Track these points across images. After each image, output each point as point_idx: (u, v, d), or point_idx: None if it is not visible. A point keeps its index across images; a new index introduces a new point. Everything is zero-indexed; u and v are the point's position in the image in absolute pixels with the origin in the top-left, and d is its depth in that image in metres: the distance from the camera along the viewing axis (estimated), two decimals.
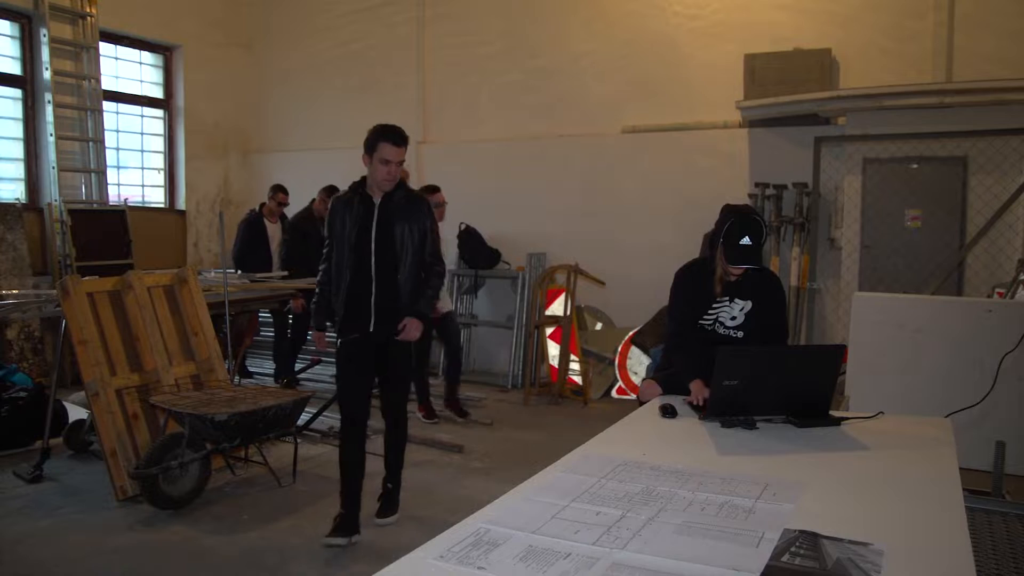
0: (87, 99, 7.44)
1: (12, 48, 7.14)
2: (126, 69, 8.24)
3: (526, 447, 5.17)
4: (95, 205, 7.50)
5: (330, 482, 3.58)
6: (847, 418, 2.44)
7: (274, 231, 6.96)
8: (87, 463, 4.69)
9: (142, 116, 8.42)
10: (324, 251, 3.68)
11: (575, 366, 6.69)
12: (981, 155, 5.51)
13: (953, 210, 5.63)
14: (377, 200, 3.52)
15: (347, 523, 3.50)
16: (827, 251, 6.25)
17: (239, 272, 6.52)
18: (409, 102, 8.08)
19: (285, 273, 6.42)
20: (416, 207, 3.59)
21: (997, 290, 5.12)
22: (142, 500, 3.91)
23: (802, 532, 1.49)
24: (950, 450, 2.13)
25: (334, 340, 3.68)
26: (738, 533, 1.49)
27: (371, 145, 3.43)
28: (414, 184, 6.30)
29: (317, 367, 5.84)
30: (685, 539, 1.47)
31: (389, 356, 3.60)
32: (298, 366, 6.44)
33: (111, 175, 7.78)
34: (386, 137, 3.40)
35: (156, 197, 8.63)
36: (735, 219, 2.79)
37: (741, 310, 2.95)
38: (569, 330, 6.55)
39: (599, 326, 7.18)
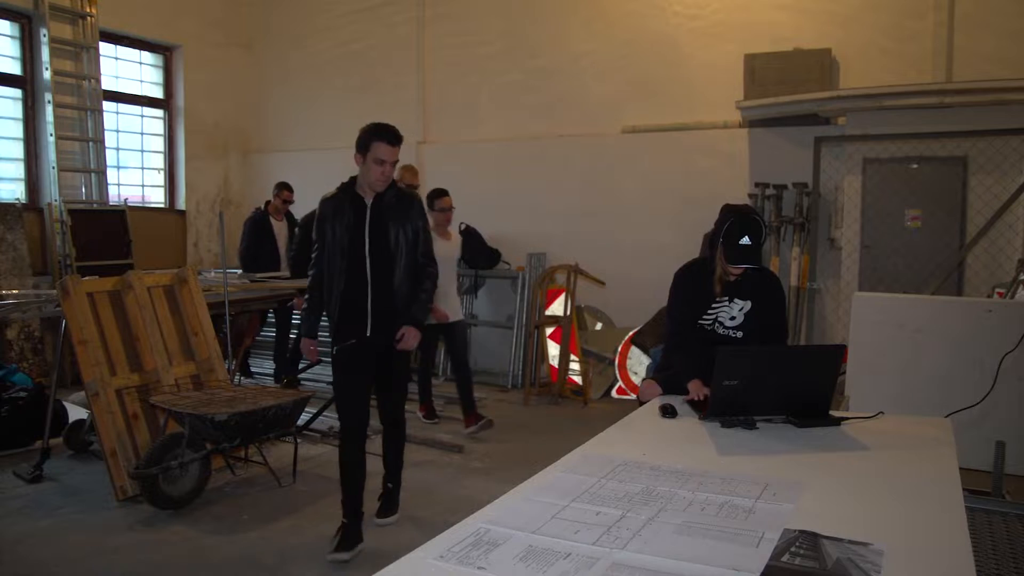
0: (87, 99, 7.44)
1: (12, 48, 7.15)
2: (126, 69, 8.24)
3: (526, 447, 5.17)
4: (95, 205, 7.50)
5: (330, 482, 3.59)
6: (847, 418, 2.44)
7: (280, 229, 6.96)
8: (87, 463, 4.69)
9: (142, 116, 8.42)
10: (312, 255, 3.55)
11: (575, 366, 6.69)
12: (981, 155, 5.51)
13: (953, 210, 5.63)
14: (369, 201, 3.43)
15: (350, 534, 3.43)
16: (827, 251, 6.25)
17: (240, 272, 6.53)
18: (409, 102, 8.08)
19: (288, 274, 6.43)
20: (408, 206, 3.49)
21: (997, 290, 5.12)
22: (142, 500, 3.91)
23: (802, 532, 1.49)
24: (950, 450, 2.13)
25: (325, 348, 3.61)
26: (738, 533, 1.49)
27: (364, 144, 3.33)
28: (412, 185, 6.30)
29: (317, 367, 5.84)
30: (685, 539, 1.47)
31: (388, 362, 3.52)
32: (300, 365, 6.44)
33: (111, 175, 7.79)
34: (381, 136, 3.31)
35: (156, 197, 8.64)
36: (735, 219, 2.79)
37: (741, 310, 2.95)
38: (569, 330, 6.55)
39: (599, 326, 7.18)
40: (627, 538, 1.47)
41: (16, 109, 7.17)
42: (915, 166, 5.74)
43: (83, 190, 7.48)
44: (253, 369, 7.26)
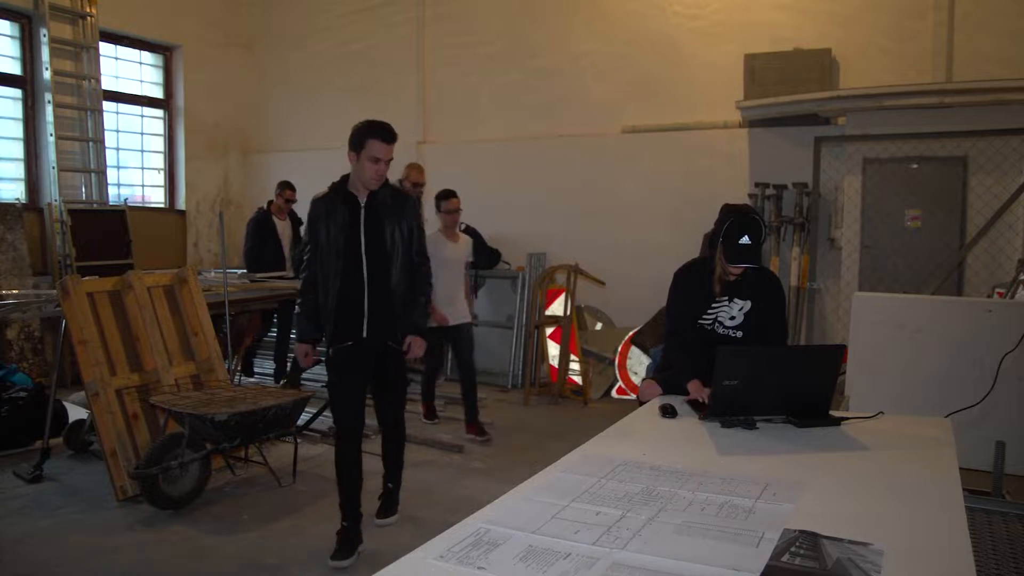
0: (87, 99, 7.44)
1: (12, 48, 7.15)
2: (126, 69, 8.24)
3: (526, 447, 5.17)
4: (95, 205, 7.50)
5: (330, 482, 3.58)
6: (847, 418, 2.44)
7: (283, 228, 6.96)
8: (87, 463, 4.69)
9: (142, 116, 8.42)
10: (305, 257, 3.48)
11: (575, 366, 6.69)
12: (981, 155, 5.51)
13: (953, 210, 5.63)
14: (363, 200, 3.36)
15: (350, 537, 3.40)
16: (827, 251, 6.25)
17: (246, 272, 6.52)
18: (409, 102, 8.08)
19: (292, 274, 6.43)
20: (403, 204, 3.44)
21: (997, 290, 5.12)
22: (142, 500, 3.92)
23: (802, 532, 1.49)
24: (950, 450, 2.13)
25: (319, 352, 3.55)
26: (738, 533, 1.49)
27: (359, 142, 3.26)
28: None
29: (316, 367, 5.83)
30: (685, 539, 1.47)
31: (385, 363, 3.48)
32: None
33: (111, 175, 7.79)
34: (375, 133, 3.24)
35: (156, 197, 8.64)
36: (734, 218, 2.79)
37: (740, 310, 2.95)
38: (569, 330, 6.55)
39: (599, 326, 7.18)
40: (627, 538, 1.47)
41: (16, 109, 7.18)
42: (915, 166, 5.75)
43: (83, 190, 7.48)
44: (256, 369, 7.25)
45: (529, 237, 7.38)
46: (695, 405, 2.64)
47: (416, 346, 3.49)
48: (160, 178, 8.65)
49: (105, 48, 7.76)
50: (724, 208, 2.91)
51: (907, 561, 1.39)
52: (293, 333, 6.65)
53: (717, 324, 2.97)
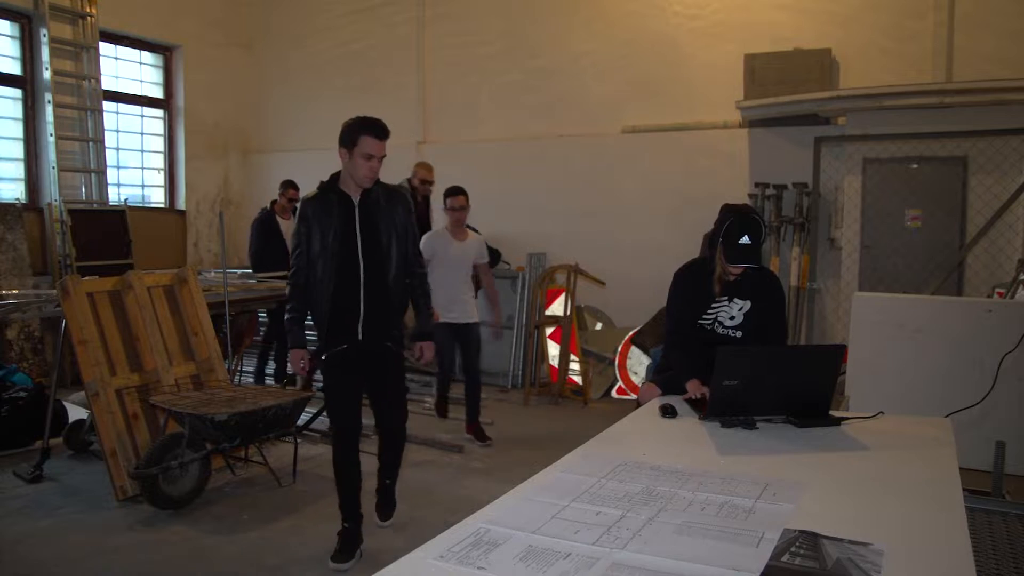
0: (87, 99, 7.44)
1: (12, 48, 7.15)
2: (126, 69, 8.24)
3: (526, 447, 5.17)
4: (95, 205, 7.50)
5: (330, 482, 3.58)
6: (847, 418, 2.44)
7: (287, 227, 6.94)
8: (87, 463, 4.69)
9: (142, 116, 8.42)
10: (292, 257, 3.33)
11: (575, 366, 6.69)
12: (981, 155, 5.51)
13: (953, 210, 5.63)
14: (356, 199, 3.26)
15: (350, 538, 3.38)
16: (827, 251, 6.26)
17: (251, 272, 6.50)
18: (409, 102, 8.09)
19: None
20: (397, 202, 3.35)
21: (997, 290, 5.13)
22: (142, 500, 3.91)
23: (802, 532, 1.49)
24: (950, 450, 2.13)
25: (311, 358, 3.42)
26: (738, 533, 1.49)
27: (350, 139, 3.16)
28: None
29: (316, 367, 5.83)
30: (685, 539, 1.47)
31: (381, 367, 3.38)
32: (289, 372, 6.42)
33: (111, 175, 7.79)
34: (368, 129, 3.15)
35: (156, 197, 8.64)
36: (734, 218, 2.79)
37: (740, 310, 2.95)
38: (569, 330, 6.55)
39: (599, 326, 7.18)
40: (627, 538, 1.47)
41: (16, 109, 7.18)
42: (915, 166, 5.75)
43: (83, 190, 7.48)
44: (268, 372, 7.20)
45: (529, 237, 7.38)
46: (695, 405, 2.64)
47: (428, 351, 3.49)
48: (160, 178, 8.65)
49: (105, 48, 7.76)
50: (724, 208, 2.92)
51: (907, 561, 1.39)
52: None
53: (717, 324, 2.97)
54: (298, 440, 4.62)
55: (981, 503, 2.31)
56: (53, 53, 7.08)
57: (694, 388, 2.70)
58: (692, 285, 3.00)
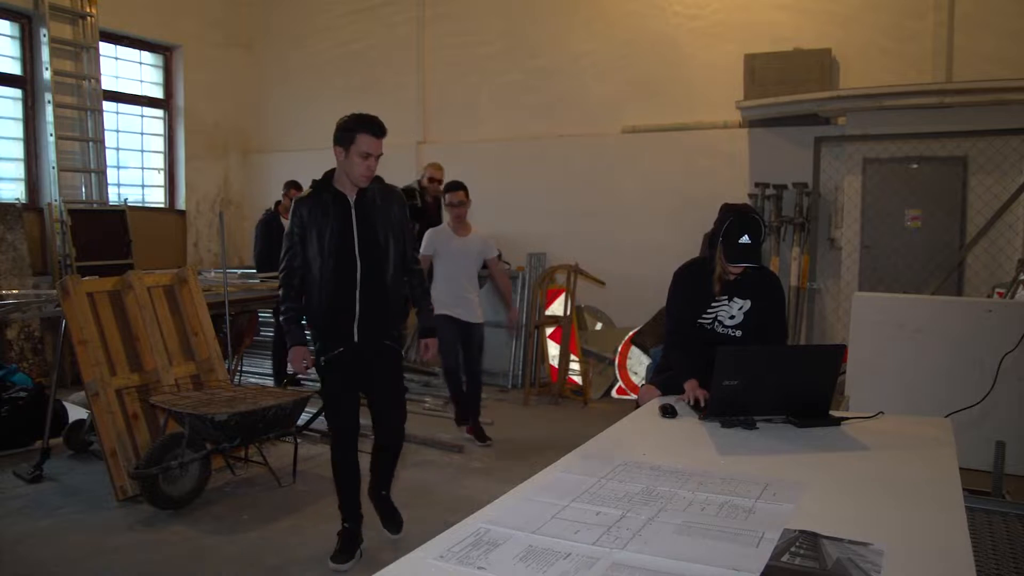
0: (87, 99, 7.44)
1: (12, 48, 7.15)
2: (126, 69, 8.24)
3: (526, 447, 5.17)
4: (95, 205, 7.50)
5: (330, 482, 3.57)
6: (847, 418, 2.44)
7: None
8: (87, 463, 4.69)
9: (142, 116, 8.42)
10: (285, 258, 3.25)
11: (575, 366, 6.69)
12: (981, 155, 5.51)
13: (953, 210, 5.63)
14: (352, 198, 3.19)
15: (350, 538, 3.36)
16: (827, 251, 6.26)
17: (239, 272, 6.51)
18: (409, 102, 8.09)
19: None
20: (392, 200, 3.28)
21: (997, 290, 5.12)
22: (142, 500, 3.91)
23: (802, 532, 1.49)
24: (950, 450, 2.13)
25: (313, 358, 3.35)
26: (738, 533, 1.49)
27: (347, 137, 3.08)
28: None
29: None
30: (685, 539, 1.47)
31: (379, 367, 3.31)
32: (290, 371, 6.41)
33: (111, 175, 7.79)
34: (365, 127, 3.07)
35: (156, 197, 8.64)
36: (734, 218, 2.79)
37: (740, 309, 2.95)
38: (569, 330, 6.55)
39: (599, 326, 7.18)
40: (627, 538, 1.47)
41: (16, 109, 7.18)
42: (915, 166, 5.75)
43: (83, 190, 7.49)
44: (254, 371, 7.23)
45: (529, 237, 7.38)
46: (695, 405, 2.64)
47: (433, 347, 3.46)
48: (160, 178, 8.65)
49: (105, 48, 7.76)
50: (723, 207, 2.92)
51: (907, 561, 1.39)
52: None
53: (717, 324, 2.97)
54: (298, 440, 4.61)
55: (981, 503, 2.31)
56: (53, 53, 7.08)
57: (691, 388, 2.69)
58: (692, 284, 3.00)
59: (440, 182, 6.27)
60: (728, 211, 2.86)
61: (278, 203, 6.97)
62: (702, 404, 2.59)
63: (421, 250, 4.95)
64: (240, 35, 9.13)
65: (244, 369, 7.10)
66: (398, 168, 7.10)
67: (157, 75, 8.54)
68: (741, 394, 2.37)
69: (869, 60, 6.18)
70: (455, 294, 5.03)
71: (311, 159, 8.36)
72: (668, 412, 2.54)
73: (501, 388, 6.92)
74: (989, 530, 2.13)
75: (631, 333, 6.61)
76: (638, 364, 6.58)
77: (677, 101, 6.92)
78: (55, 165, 7.07)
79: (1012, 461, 2.85)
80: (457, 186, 5.13)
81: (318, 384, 3.60)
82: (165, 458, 3.83)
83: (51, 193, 7.12)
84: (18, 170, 7.22)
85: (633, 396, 5.99)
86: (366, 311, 3.22)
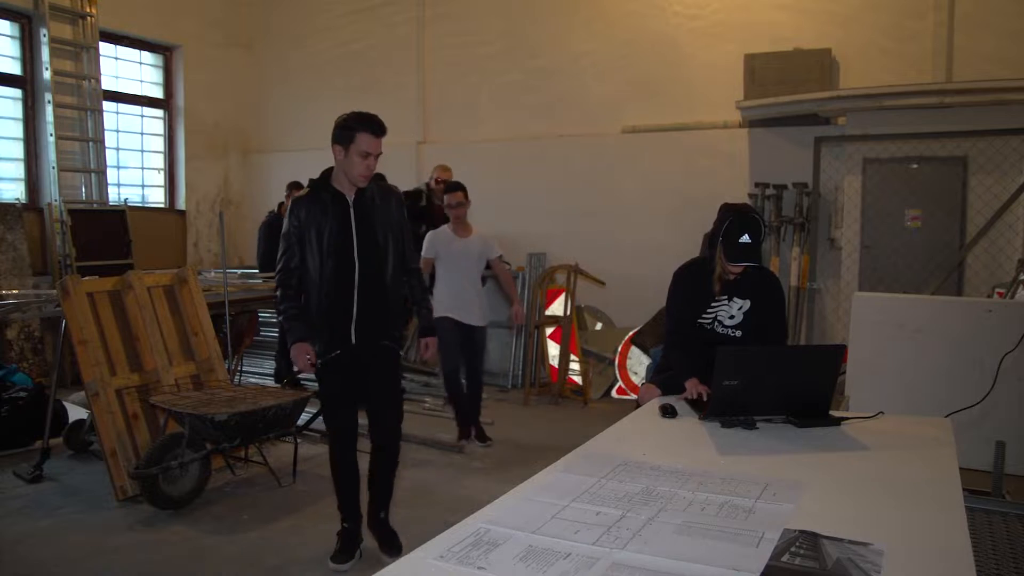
0: (87, 99, 7.44)
1: (12, 48, 7.15)
2: (126, 69, 8.24)
3: (526, 447, 5.17)
4: (95, 205, 7.50)
5: (330, 482, 3.57)
6: (847, 418, 2.44)
7: None
8: (87, 463, 4.69)
9: (142, 116, 8.42)
10: (282, 259, 3.19)
11: (575, 366, 6.69)
12: (981, 155, 5.51)
13: (953, 210, 5.63)
14: (351, 198, 3.14)
15: (350, 538, 3.35)
16: (827, 251, 6.26)
17: (239, 272, 6.51)
18: (409, 102, 8.08)
19: None
20: (391, 200, 3.24)
21: (997, 290, 5.12)
22: (142, 500, 3.91)
23: (802, 532, 1.49)
24: (950, 450, 2.13)
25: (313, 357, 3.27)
26: (738, 533, 1.49)
27: (346, 136, 3.03)
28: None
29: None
30: (685, 539, 1.47)
31: (377, 367, 3.26)
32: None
33: (111, 175, 7.79)
34: (365, 126, 3.02)
35: (156, 197, 8.64)
36: (734, 217, 2.80)
37: (740, 309, 2.95)
38: (569, 330, 6.55)
39: (599, 326, 7.18)
40: (627, 538, 1.47)
41: (16, 109, 7.17)
42: (915, 166, 5.75)
43: (83, 190, 7.49)
44: (256, 370, 7.22)
45: (529, 237, 7.38)
46: (695, 405, 2.64)
47: (433, 346, 3.44)
48: (160, 178, 8.65)
49: (105, 48, 7.76)
50: (723, 207, 2.92)
51: (907, 561, 1.39)
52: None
53: (716, 323, 2.97)
54: (298, 440, 4.61)
55: (981, 503, 2.31)
56: (53, 53, 7.08)
57: (692, 386, 2.70)
58: (692, 284, 3.00)
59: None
60: (728, 211, 2.86)
61: (281, 204, 6.97)
62: (704, 399, 2.59)
63: (423, 253, 4.93)
64: (240, 35, 9.13)
65: (244, 369, 7.10)
66: (398, 168, 7.10)
67: (157, 75, 8.54)
68: (741, 394, 2.37)
69: (869, 60, 6.18)
70: (457, 296, 4.99)
71: (311, 159, 8.34)
72: (668, 412, 2.54)
73: (501, 388, 6.92)
74: (989, 530, 2.13)
75: (631, 333, 6.61)
76: (638, 364, 6.58)
77: (677, 101, 6.92)
78: (55, 165, 7.07)
79: (1012, 461, 2.85)
80: (456, 187, 5.10)
81: (317, 384, 3.58)
82: (165, 458, 3.83)
83: (51, 193, 7.12)
84: (18, 170, 7.22)
85: (633, 396, 5.99)
86: (364, 312, 3.18)
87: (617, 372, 6.70)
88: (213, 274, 6.61)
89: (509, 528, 1.50)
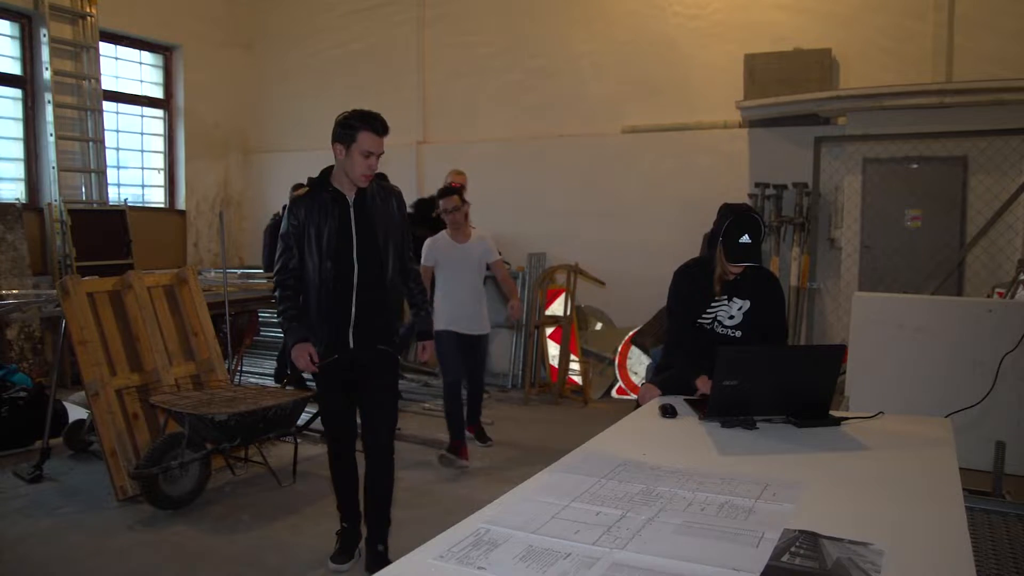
0: (87, 99, 7.44)
1: (12, 48, 7.15)
2: (126, 69, 8.24)
3: (526, 447, 5.17)
4: (95, 205, 7.50)
5: (329, 482, 3.58)
6: (847, 418, 2.44)
7: None
8: (87, 463, 4.69)
9: (142, 116, 8.42)
10: (280, 259, 3.14)
11: (575, 366, 6.69)
12: (981, 155, 5.51)
13: (953, 210, 5.63)
14: (351, 198, 3.08)
15: (350, 538, 3.35)
16: (827, 251, 6.26)
17: (239, 272, 6.51)
18: (409, 102, 8.08)
19: None
20: (391, 200, 3.17)
21: (997, 290, 5.12)
22: (142, 500, 3.92)
23: (802, 532, 1.48)
24: (950, 450, 2.12)
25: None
26: (738, 533, 1.49)
27: (348, 135, 2.95)
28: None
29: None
30: (685, 539, 1.47)
31: (374, 370, 3.18)
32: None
33: (111, 175, 7.79)
34: (367, 125, 2.94)
35: (156, 197, 8.64)
36: (734, 217, 2.80)
37: (740, 309, 2.95)
38: (569, 330, 6.55)
39: (599, 326, 7.18)
40: (627, 538, 1.47)
41: (16, 109, 7.17)
42: (915, 166, 5.75)
43: (83, 190, 7.49)
44: (256, 369, 7.24)
45: (529, 237, 7.38)
46: (695, 405, 2.64)
47: (430, 350, 3.41)
48: (160, 178, 8.65)
49: (105, 48, 7.76)
50: (723, 207, 2.92)
51: (907, 561, 1.39)
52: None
53: (716, 324, 2.97)
54: (298, 440, 4.61)
55: (981, 503, 2.31)
56: (53, 53, 7.08)
57: (704, 384, 2.69)
58: (692, 284, 3.00)
59: (463, 188, 6.22)
60: (728, 211, 2.86)
61: (285, 206, 6.97)
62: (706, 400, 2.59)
63: (422, 261, 4.81)
64: (240, 35, 9.13)
65: (244, 369, 7.11)
66: (398, 168, 7.11)
67: (157, 75, 8.54)
68: (741, 394, 2.37)
69: (869, 60, 6.18)
70: (458, 307, 4.83)
71: (311, 159, 8.33)
72: (668, 412, 2.54)
73: (501, 388, 6.92)
74: (989, 530, 2.13)
75: (631, 333, 6.61)
76: (638, 364, 6.58)
77: (677, 101, 6.92)
78: (55, 165, 7.07)
79: (1012, 461, 2.85)
80: (450, 191, 4.96)
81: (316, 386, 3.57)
82: (165, 458, 3.83)
83: (51, 193, 7.12)
84: (18, 170, 7.22)
85: (633, 396, 5.99)
86: (362, 316, 3.12)
87: (617, 372, 6.70)
88: (213, 274, 6.62)
89: (509, 528, 1.50)
